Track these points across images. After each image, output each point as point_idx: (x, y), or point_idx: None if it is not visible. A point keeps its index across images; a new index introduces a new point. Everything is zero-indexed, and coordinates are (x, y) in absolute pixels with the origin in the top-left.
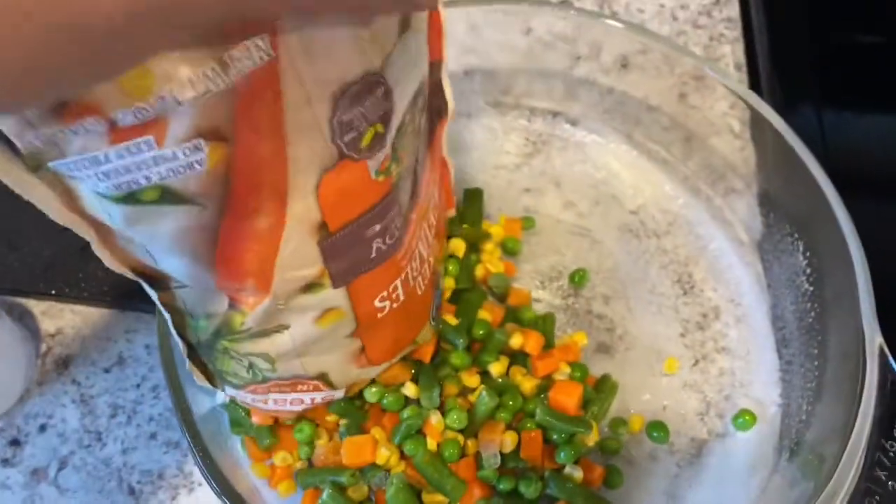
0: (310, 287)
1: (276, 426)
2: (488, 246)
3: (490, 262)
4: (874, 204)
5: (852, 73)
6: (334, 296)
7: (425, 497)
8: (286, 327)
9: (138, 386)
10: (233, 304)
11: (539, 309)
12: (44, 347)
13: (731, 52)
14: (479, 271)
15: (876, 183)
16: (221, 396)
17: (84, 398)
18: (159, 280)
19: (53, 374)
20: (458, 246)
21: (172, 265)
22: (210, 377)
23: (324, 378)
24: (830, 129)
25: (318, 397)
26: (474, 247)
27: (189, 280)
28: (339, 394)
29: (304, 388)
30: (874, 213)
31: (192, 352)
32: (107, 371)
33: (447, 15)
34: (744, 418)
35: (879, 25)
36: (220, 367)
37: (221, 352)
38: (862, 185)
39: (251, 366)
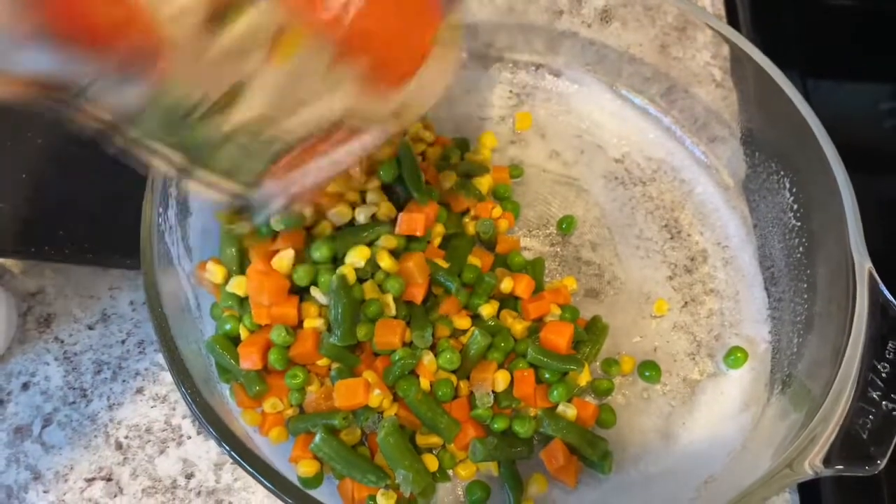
0: (219, 15)
1: (265, 372)
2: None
3: (484, 211)
4: (863, 165)
5: (839, 31)
6: (262, 13)
7: (419, 439)
8: (242, 85)
9: (123, 342)
10: (139, 75)
11: (528, 256)
12: (24, 307)
13: (711, 4)
14: (468, 219)
15: (863, 142)
16: (209, 331)
17: (67, 355)
18: (66, 90)
19: (35, 333)
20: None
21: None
22: (229, 186)
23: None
24: (815, 86)
25: (359, 145)
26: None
27: (63, 69)
28: (385, 131)
29: (333, 142)
30: (864, 175)
31: (190, 167)
32: (90, 328)
33: None
34: (735, 356)
35: None
36: (222, 165)
37: (205, 145)
38: (849, 150)
39: (246, 148)
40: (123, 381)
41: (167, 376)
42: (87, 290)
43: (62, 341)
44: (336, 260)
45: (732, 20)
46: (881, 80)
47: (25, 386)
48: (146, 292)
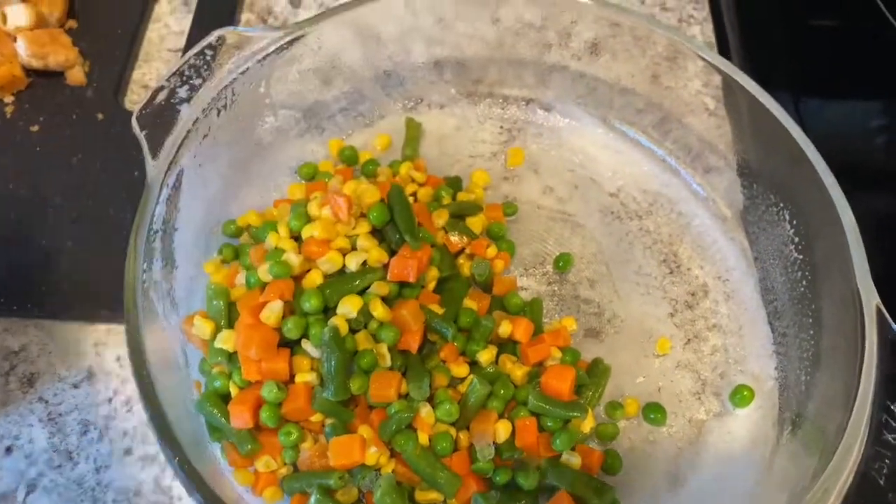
0: None
1: (257, 430)
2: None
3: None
4: (858, 184)
5: (827, 50)
6: None
7: (418, 495)
8: None
9: (110, 400)
10: None
11: (524, 296)
12: (7, 366)
13: (701, 32)
14: (463, 260)
15: (855, 159)
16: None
17: (52, 416)
18: None
19: (19, 394)
20: (440, 236)
21: None
22: None
23: None
24: (808, 114)
25: None
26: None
27: None
28: None
29: None
30: (858, 193)
31: None
32: (76, 387)
33: (416, 7)
34: (741, 394)
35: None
36: None
37: None
38: (845, 168)
39: None
40: (111, 441)
41: None
42: (72, 346)
43: (46, 401)
44: (327, 310)
45: (722, 44)
46: (870, 97)
47: (9, 450)
48: (130, 357)
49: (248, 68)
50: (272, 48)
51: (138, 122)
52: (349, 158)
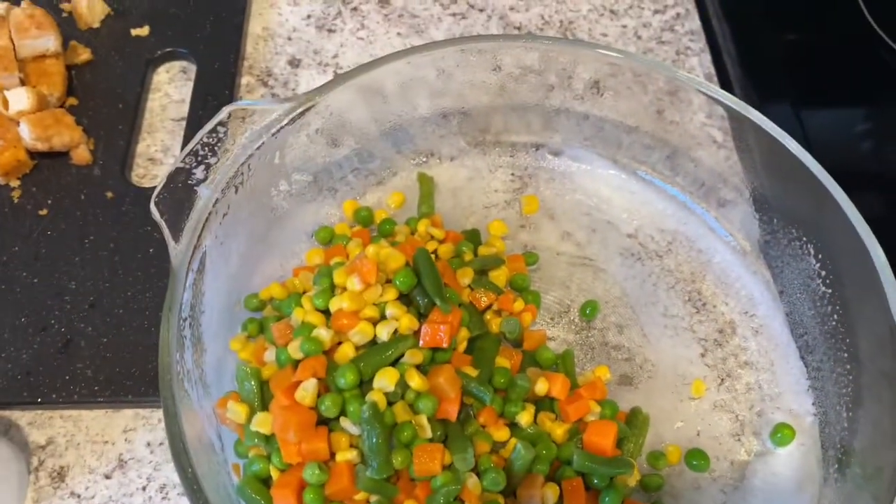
0: None
1: None
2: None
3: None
4: (864, 196)
5: (824, 67)
6: None
7: None
8: None
9: (144, 488)
10: None
11: (553, 347)
12: (35, 461)
13: (700, 63)
14: (490, 316)
15: (864, 175)
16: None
17: None
18: None
19: (49, 489)
20: (468, 294)
21: None
22: None
23: None
24: (810, 126)
25: None
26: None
27: None
28: None
29: None
30: (865, 206)
31: None
32: (107, 477)
33: (417, 62)
34: (782, 433)
35: (837, 21)
36: None
37: None
38: (850, 179)
39: None
40: None
41: None
42: (100, 435)
43: (79, 496)
44: (362, 383)
45: (721, 72)
46: (862, 104)
47: None
48: (172, 450)
49: (263, 143)
50: (285, 120)
51: (157, 207)
52: (365, 219)
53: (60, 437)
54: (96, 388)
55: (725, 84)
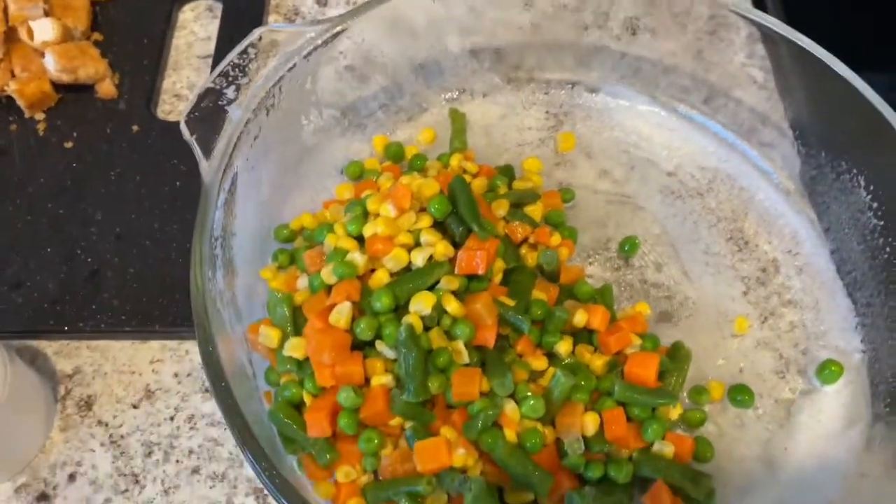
0: None
1: (334, 439)
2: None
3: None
4: None
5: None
6: None
7: (509, 496)
8: None
9: (172, 419)
10: None
11: (590, 284)
12: (62, 390)
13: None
14: (525, 250)
15: None
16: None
17: (114, 439)
18: None
19: (76, 418)
20: (503, 226)
21: None
22: None
23: None
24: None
25: None
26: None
27: None
28: None
29: None
30: None
31: None
32: (135, 407)
33: (451, 7)
34: (829, 370)
35: None
36: None
37: None
38: None
39: None
40: (177, 461)
41: (223, 452)
42: (127, 366)
43: (106, 424)
44: (397, 308)
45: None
46: None
47: (72, 477)
48: (206, 369)
49: (294, 64)
50: (319, 41)
51: (187, 126)
52: (395, 155)
53: (87, 366)
54: (123, 317)
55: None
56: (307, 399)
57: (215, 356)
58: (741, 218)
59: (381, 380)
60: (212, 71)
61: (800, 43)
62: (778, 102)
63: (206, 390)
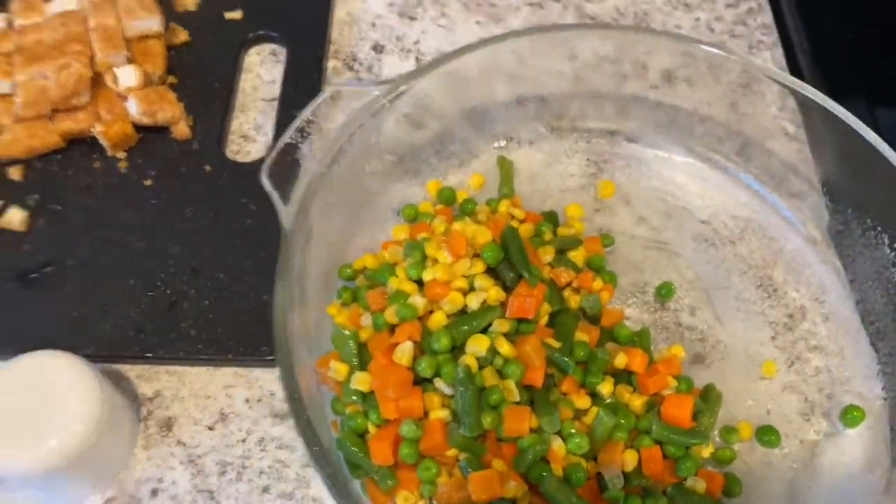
0: None
1: (395, 466)
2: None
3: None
4: None
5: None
6: None
7: None
8: None
9: (244, 441)
10: None
11: (628, 325)
12: (144, 411)
13: (771, 57)
14: (569, 293)
15: None
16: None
17: (191, 458)
18: None
19: (157, 437)
20: (547, 270)
21: None
22: None
23: None
24: (885, 123)
25: None
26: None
27: None
28: None
29: None
30: None
31: None
32: (210, 429)
33: (499, 59)
34: (851, 414)
35: None
36: None
37: None
38: None
39: None
40: (249, 480)
41: (290, 473)
42: (202, 391)
43: (184, 444)
44: (453, 348)
45: (793, 66)
46: None
47: (154, 492)
48: (289, 400)
49: (362, 124)
50: (384, 102)
51: (268, 178)
52: (448, 199)
53: (167, 390)
54: (199, 346)
55: (797, 75)
56: (371, 428)
57: (297, 388)
58: (770, 266)
59: (438, 414)
60: (276, 120)
61: (830, 109)
62: (808, 155)
63: (275, 415)
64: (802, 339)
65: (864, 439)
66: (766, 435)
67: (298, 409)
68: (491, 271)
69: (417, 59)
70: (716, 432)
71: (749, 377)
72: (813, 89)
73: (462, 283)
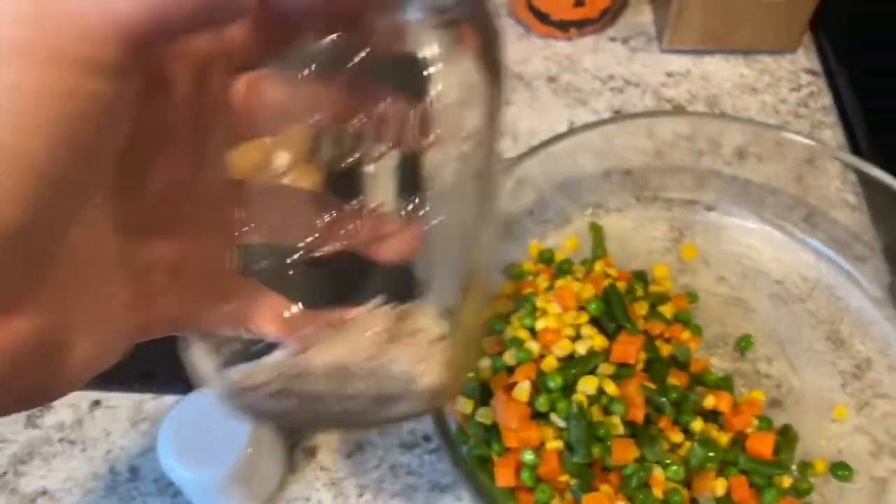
0: None
1: (516, 490)
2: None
3: (674, 334)
4: None
5: None
6: None
7: None
8: None
9: (377, 467)
10: None
11: (714, 372)
12: (291, 441)
13: (833, 135)
14: (660, 343)
15: None
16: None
17: (333, 481)
18: None
19: (304, 462)
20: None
21: None
22: None
23: None
24: None
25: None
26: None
27: None
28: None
29: None
30: None
31: None
32: (348, 456)
33: (587, 137)
34: None
35: None
36: None
37: None
38: None
39: None
40: (383, 501)
41: (419, 496)
42: None
43: (327, 469)
44: (565, 387)
45: (852, 141)
46: None
47: None
48: (438, 430)
49: None
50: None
51: None
52: (547, 259)
53: None
54: None
55: (856, 153)
56: (494, 456)
57: (444, 418)
58: (837, 321)
59: (554, 444)
60: None
61: (884, 180)
62: (868, 223)
63: (403, 445)
64: (870, 387)
65: None
66: (841, 469)
67: (446, 437)
68: (594, 322)
69: (514, 139)
70: (794, 467)
71: (822, 419)
72: (868, 164)
73: (570, 332)
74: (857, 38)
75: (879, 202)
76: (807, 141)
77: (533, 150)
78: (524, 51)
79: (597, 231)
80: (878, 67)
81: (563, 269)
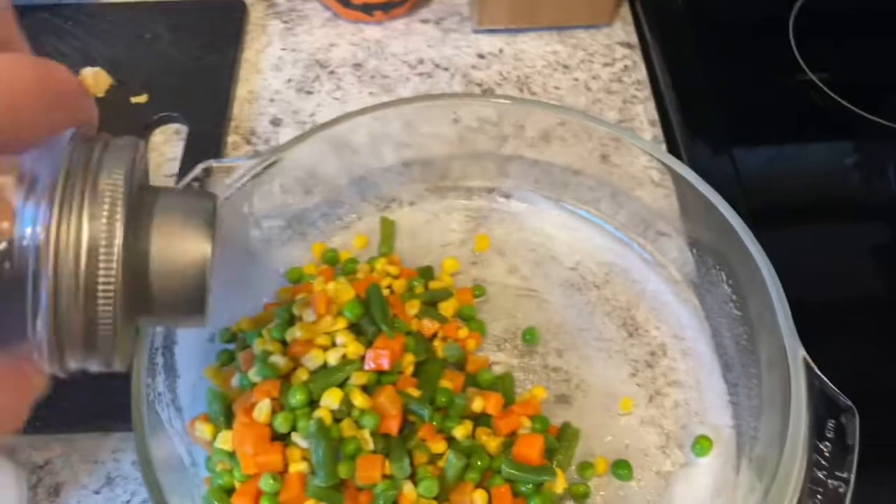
0: None
1: None
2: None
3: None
4: (789, 228)
5: (755, 112)
6: None
7: None
8: None
9: (128, 502)
10: None
11: (498, 370)
12: (34, 479)
13: (644, 110)
14: (437, 343)
15: (789, 208)
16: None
17: None
18: None
19: (46, 503)
20: (415, 322)
21: None
22: None
23: None
24: (742, 166)
25: None
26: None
27: None
28: None
29: None
30: (791, 237)
31: None
32: (97, 493)
33: (383, 116)
34: (700, 444)
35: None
36: None
37: None
38: (777, 213)
39: None
40: None
41: None
42: (92, 456)
43: None
44: (314, 403)
45: (664, 115)
46: (790, 139)
47: None
48: (140, 465)
49: (230, 195)
50: (249, 175)
51: None
52: (330, 259)
53: (57, 458)
54: (89, 415)
55: (667, 126)
56: (238, 485)
57: (147, 454)
58: (633, 307)
59: (297, 467)
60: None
61: (673, 166)
62: (673, 200)
63: None
64: (662, 376)
65: (714, 467)
66: (620, 469)
67: (148, 476)
68: (357, 328)
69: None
70: (574, 468)
71: (608, 414)
72: (668, 155)
73: (325, 341)
74: (671, 9)
75: (682, 187)
76: (603, 128)
77: (299, 138)
78: (331, 36)
79: (386, 226)
80: (689, 38)
81: (347, 270)
